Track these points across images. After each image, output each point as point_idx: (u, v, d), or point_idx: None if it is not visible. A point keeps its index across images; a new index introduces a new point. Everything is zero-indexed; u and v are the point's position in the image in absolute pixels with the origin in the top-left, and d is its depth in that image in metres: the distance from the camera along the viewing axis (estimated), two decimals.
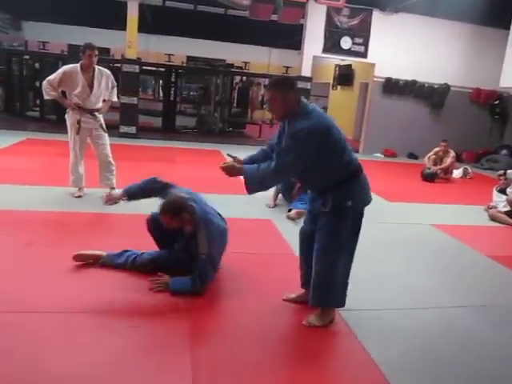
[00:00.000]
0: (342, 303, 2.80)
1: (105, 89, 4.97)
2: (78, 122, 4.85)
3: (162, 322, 2.66)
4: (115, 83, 5.16)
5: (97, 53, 4.77)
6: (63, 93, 4.94)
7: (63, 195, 5.04)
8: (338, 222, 2.64)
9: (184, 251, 3.16)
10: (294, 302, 3.04)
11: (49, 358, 2.26)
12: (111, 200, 3.88)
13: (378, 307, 3.09)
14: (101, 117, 5.03)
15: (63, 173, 5.17)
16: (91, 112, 4.90)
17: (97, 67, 4.87)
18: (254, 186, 2.64)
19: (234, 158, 2.79)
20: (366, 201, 2.73)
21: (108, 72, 5.02)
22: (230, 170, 2.68)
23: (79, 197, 5.00)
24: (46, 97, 4.93)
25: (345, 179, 2.62)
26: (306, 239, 2.90)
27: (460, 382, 2.40)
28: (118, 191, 3.73)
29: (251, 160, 2.86)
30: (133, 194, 3.37)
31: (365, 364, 2.45)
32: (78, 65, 4.79)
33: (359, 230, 2.74)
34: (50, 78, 4.79)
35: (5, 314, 2.58)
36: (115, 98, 5.23)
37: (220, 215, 3.25)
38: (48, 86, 4.77)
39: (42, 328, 2.49)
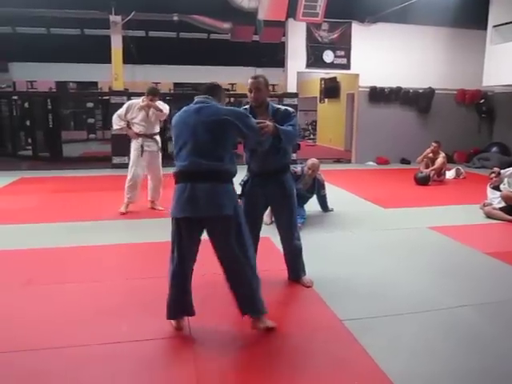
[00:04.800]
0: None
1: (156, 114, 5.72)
2: (142, 147, 5.66)
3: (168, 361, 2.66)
4: (166, 106, 5.80)
5: (156, 99, 5.63)
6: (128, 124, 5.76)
7: (60, 231, 5.05)
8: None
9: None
10: None
11: None
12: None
13: (379, 314, 3.09)
14: (159, 141, 5.84)
15: (59, 209, 5.20)
16: (151, 136, 5.71)
17: None
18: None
19: None
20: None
21: (160, 102, 5.77)
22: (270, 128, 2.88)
23: (124, 213, 5.66)
24: (114, 127, 5.82)
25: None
26: None
27: (467, 380, 2.40)
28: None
29: None
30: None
31: (373, 372, 2.44)
32: (141, 99, 5.66)
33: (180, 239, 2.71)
34: (119, 112, 5.68)
35: (6, 354, 2.58)
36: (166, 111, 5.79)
37: None
38: (117, 118, 5.68)
39: (47, 365, 2.49)
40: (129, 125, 5.74)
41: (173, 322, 2.84)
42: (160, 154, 5.89)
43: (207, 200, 2.59)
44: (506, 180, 5.91)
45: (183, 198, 2.61)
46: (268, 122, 2.92)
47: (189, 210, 2.61)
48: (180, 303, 2.79)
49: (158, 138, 5.83)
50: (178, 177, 2.68)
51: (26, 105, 12.22)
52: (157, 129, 5.82)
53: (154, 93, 5.66)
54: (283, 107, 3.39)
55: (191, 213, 2.62)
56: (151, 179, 5.93)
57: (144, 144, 5.67)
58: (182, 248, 2.71)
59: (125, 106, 5.69)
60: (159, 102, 5.77)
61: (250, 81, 3.23)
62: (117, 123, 5.70)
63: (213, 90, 2.86)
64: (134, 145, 5.73)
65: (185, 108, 2.80)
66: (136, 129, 5.69)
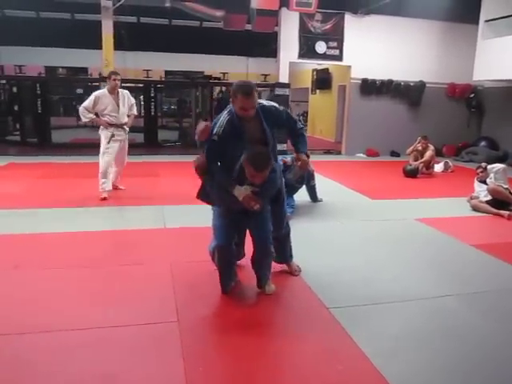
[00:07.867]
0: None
1: (127, 106, 5.94)
2: (113, 136, 5.79)
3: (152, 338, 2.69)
4: (133, 100, 6.09)
5: (119, 77, 5.78)
6: (96, 114, 5.83)
7: (48, 217, 5.03)
8: None
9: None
10: None
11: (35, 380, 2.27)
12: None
13: (365, 302, 3.14)
14: (127, 130, 6.02)
15: (47, 195, 5.18)
16: (121, 126, 5.86)
17: (119, 90, 5.84)
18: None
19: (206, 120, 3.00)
20: None
21: (127, 92, 6.01)
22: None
23: (104, 199, 5.74)
24: (83, 120, 5.91)
25: None
26: None
27: (449, 367, 2.45)
28: None
29: None
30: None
31: (357, 358, 2.48)
32: (106, 89, 5.80)
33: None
34: (85, 104, 5.71)
35: None
36: (135, 112, 6.16)
37: None
38: (84, 111, 5.69)
39: (34, 349, 2.50)
40: (97, 115, 5.81)
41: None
42: (127, 142, 6.11)
43: None
44: (492, 175, 5.98)
45: None
46: (302, 158, 3.25)
47: None
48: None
49: (125, 127, 5.96)
50: None
51: (15, 89, 12.03)
52: (126, 118, 5.94)
53: (114, 73, 5.84)
54: (268, 104, 3.17)
55: None
56: (116, 165, 6.11)
57: (115, 133, 5.81)
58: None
59: (92, 98, 5.71)
60: (127, 93, 5.95)
61: (241, 97, 2.89)
62: (85, 116, 5.74)
63: None
64: (105, 134, 5.82)
65: None
66: (107, 119, 5.78)
